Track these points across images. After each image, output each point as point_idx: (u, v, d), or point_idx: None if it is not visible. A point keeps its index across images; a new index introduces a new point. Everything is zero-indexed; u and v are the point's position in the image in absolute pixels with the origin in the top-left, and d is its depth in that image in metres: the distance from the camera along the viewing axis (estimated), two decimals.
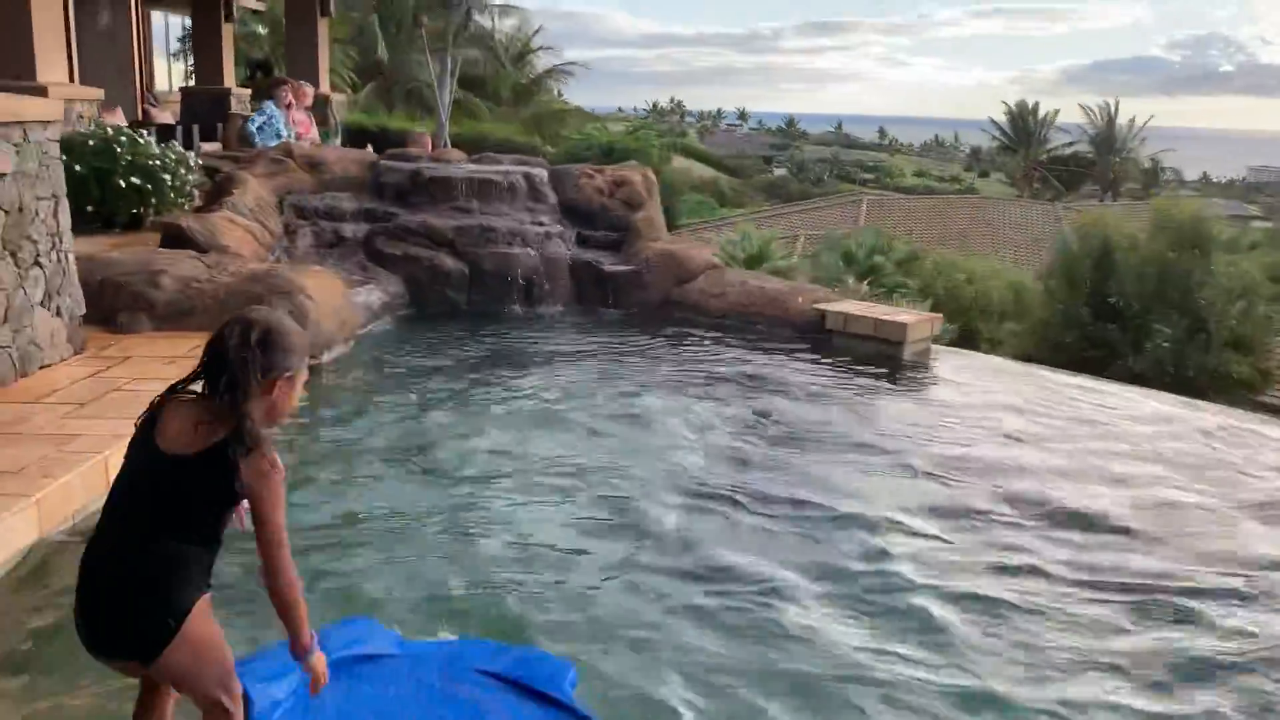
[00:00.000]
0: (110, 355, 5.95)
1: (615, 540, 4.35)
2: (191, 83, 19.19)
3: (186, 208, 9.39)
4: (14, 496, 3.85)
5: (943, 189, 59.74)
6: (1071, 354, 17.00)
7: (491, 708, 2.82)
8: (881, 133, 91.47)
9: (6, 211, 5.26)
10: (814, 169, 66.10)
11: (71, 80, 14.86)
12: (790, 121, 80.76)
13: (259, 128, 10.92)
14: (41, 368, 5.53)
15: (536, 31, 36.95)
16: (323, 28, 16.77)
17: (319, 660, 2.39)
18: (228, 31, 18.12)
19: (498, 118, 32.64)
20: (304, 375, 2.47)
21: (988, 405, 6.66)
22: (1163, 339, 15.89)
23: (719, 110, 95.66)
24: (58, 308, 5.72)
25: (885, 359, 7.53)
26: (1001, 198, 48.45)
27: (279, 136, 10.90)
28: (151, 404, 2.40)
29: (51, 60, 9.78)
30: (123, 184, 9.73)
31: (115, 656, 2.33)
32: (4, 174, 5.25)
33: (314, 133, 12.14)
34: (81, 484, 4.18)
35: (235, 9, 18.43)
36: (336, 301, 7.05)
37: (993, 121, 56.23)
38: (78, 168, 9.71)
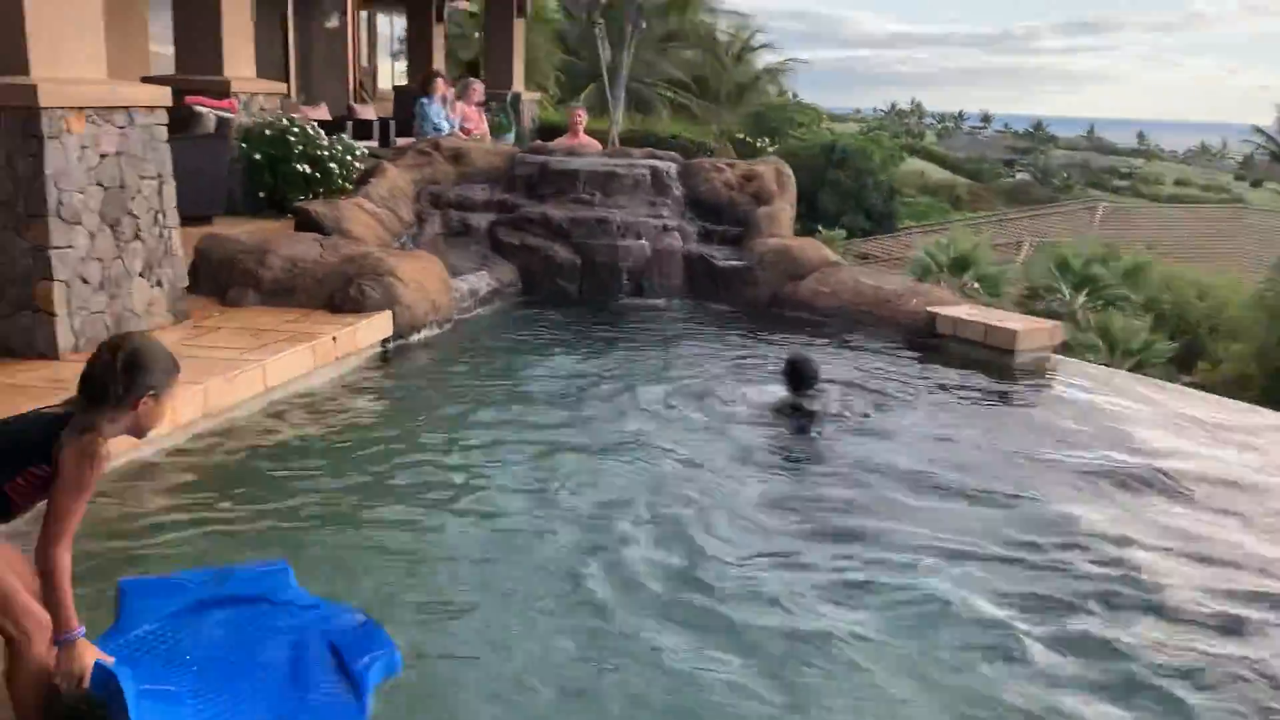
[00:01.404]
0: (205, 325, 6.42)
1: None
2: (405, 82, 20.42)
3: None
4: None
5: (1205, 199, 54.98)
6: None
7: (303, 673, 2.78)
8: (1140, 137, 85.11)
9: (106, 187, 5.79)
10: (1060, 174, 62.41)
11: (292, 79, 16.13)
12: (1038, 125, 76.32)
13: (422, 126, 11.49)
14: None
15: (755, 32, 36.81)
16: (518, 28, 17.39)
17: (78, 648, 2.51)
18: (439, 32, 19.12)
19: (711, 116, 32.82)
20: (170, 394, 2.75)
21: (1066, 425, 6.07)
22: None
23: (960, 112, 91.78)
24: (158, 279, 6.23)
25: (993, 367, 7.04)
26: (1270, 209, 44.02)
27: (437, 130, 11.38)
28: None
29: (238, 58, 10.62)
30: (294, 171, 10.55)
31: None
32: (106, 153, 5.79)
33: (484, 127, 12.61)
34: None
35: (446, 11, 19.42)
36: (431, 285, 7.31)
37: (1258, 129, 51.12)
38: (255, 155, 10.62)
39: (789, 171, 9.65)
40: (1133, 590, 3.98)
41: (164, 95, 6.22)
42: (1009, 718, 3.15)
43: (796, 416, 5.83)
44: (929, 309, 7.64)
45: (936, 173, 59.79)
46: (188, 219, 9.32)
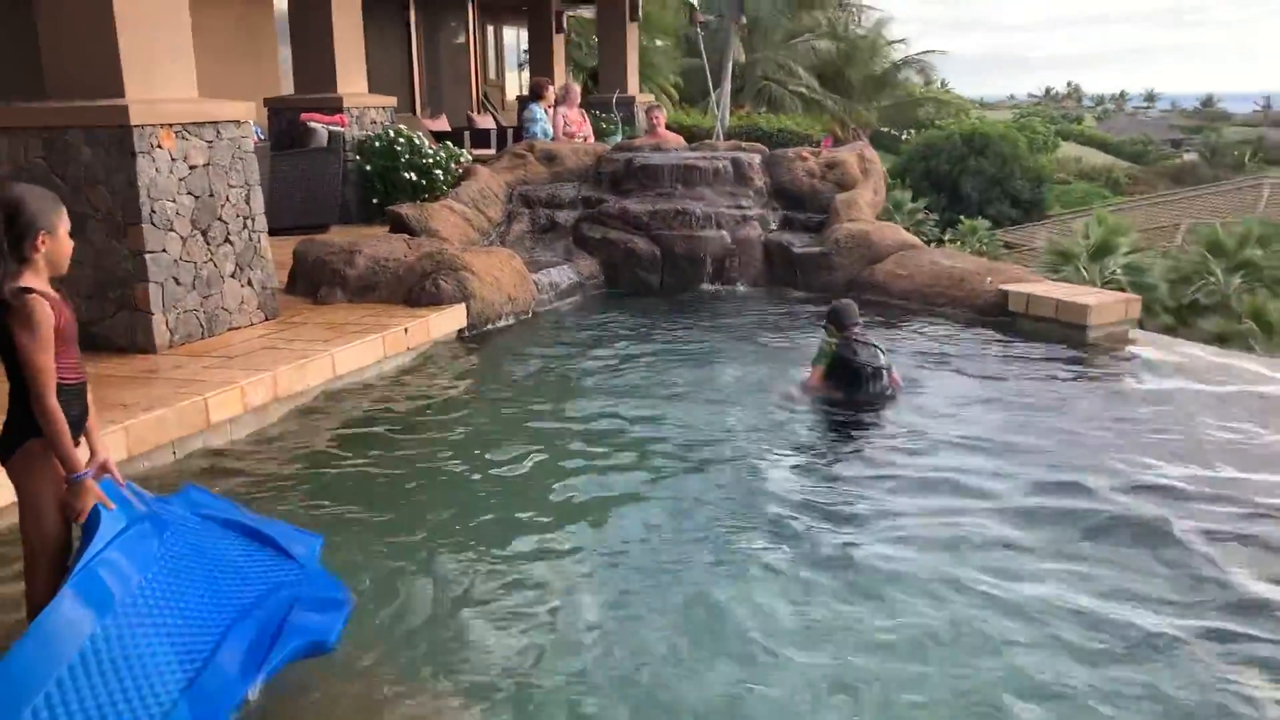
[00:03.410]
0: (293, 321, 6.91)
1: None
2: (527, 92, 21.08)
3: None
4: (109, 423, 4.71)
5: None
6: None
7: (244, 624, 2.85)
8: None
9: (197, 196, 6.34)
10: (1232, 153, 58.77)
11: (417, 92, 16.81)
12: (1207, 101, 71.99)
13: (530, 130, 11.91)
14: (230, 329, 6.58)
15: (889, 23, 36.22)
16: (631, 32, 17.72)
17: (83, 486, 2.74)
18: (559, 42, 19.65)
19: (845, 111, 32.48)
20: (64, 224, 2.86)
21: (1122, 397, 5.92)
22: None
23: (1122, 93, 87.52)
24: (248, 279, 6.75)
25: (1065, 343, 6.89)
26: None
27: (545, 134, 11.78)
28: None
29: (350, 75, 11.30)
30: (402, 179, 11.15)
31: None
32: (195, 165, 6.34)
33: (587, 129, 12.96)
34: (176, 418, 5.02)
35: (565, 21, 19.93)
36: (506, 278, 7.65)
37: None
38: (367, 166, 11.26)
39: (873, 157, 9.62)
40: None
41: (247, 110, 6.74)
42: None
43: (850, 377, 5.76)
44: (1001, 287, 7.52)
45: (1095, 157, 57.29)
46: (305, 228, 10.04)
